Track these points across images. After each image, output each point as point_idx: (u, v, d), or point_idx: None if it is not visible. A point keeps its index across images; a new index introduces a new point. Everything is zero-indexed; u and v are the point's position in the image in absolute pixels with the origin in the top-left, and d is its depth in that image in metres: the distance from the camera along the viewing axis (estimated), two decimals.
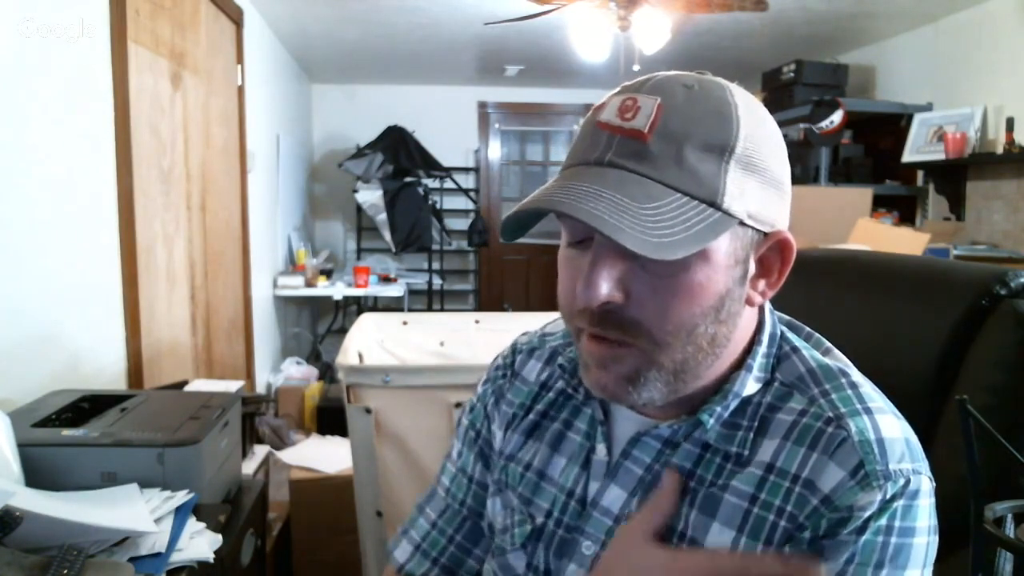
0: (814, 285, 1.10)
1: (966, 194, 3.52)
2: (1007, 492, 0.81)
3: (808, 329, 0.72)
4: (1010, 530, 0.78)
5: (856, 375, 0.65)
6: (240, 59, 3.16)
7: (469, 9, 3.57)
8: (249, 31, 3.31)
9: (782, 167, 0.63)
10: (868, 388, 0.64)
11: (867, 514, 0.57)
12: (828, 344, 0.70)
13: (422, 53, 4.58)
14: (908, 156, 3.69)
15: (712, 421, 0.63)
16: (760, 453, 0.62)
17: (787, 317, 0.72)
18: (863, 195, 3.23)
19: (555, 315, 0.80)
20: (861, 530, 0.57)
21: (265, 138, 3.83)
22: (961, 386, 0.86)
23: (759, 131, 0.60)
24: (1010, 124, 3.17)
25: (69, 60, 1.70)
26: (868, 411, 0.61)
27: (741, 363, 0.65)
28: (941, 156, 3.44)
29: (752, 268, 0.63)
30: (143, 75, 2.09)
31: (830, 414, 0.61)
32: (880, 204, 3.62)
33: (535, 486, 0.73)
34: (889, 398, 0.65)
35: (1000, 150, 3.21)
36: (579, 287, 0.59)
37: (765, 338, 0.67)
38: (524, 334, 0.85)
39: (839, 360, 0.68)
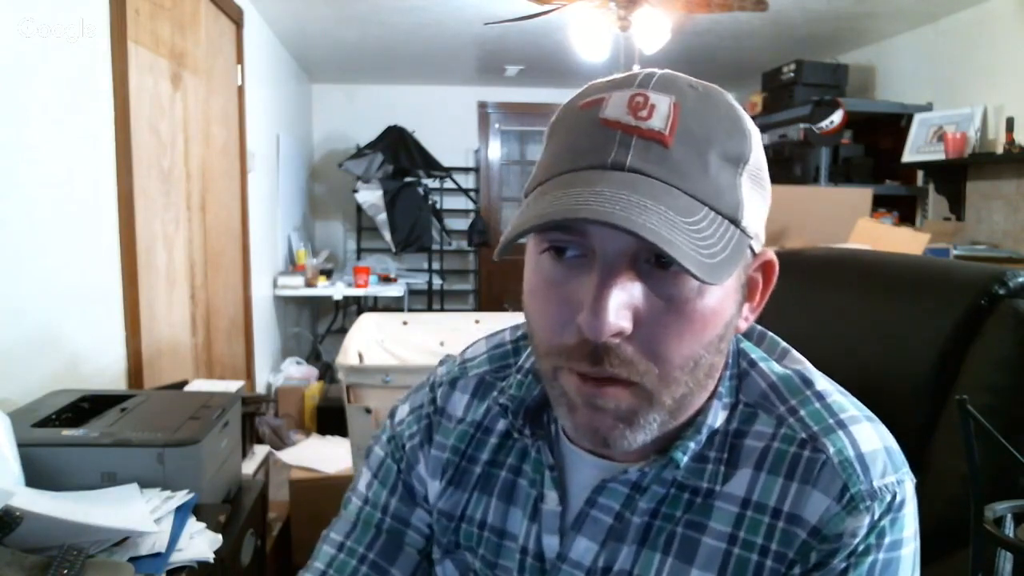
0: (814, 285, 1.10)
1: (966, 194, 3.52)
2: (1007, 492, 0.81)
3: (759, 329, 0.67)
4: (1010, 530, 0.78)
5: (821, 382, 0.61)
6: (240, 59, 3.16)
7: (469, 9, 3.57)
8: (249, 31, 3.31)
9: (769, 182, 0.59)
10: (836, 395, 0.60)
11: (857, 539, 0.54)
12: (784, 345, 0.65)
13: (422, 53, 4.58)
14: (908, 156, 3.69)
15: (685, 459, 0.57)
16: (732, 486, 0.58)
17: None
18: (863, 195, 3.22)
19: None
20: (851, 555, 0.54)
21: (265, 138, 3.83)
22: (961, 386, 0.86)
23: (760, 144, 0.56)
24: (1010, 124, 3.17)
25: (69, 60, 1.70)
26: (842, 424, 0.57)
27: (714, 392, 0.60)
28: (941, 156, 3.44)
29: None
30: (143, 75, 2.09)
31: (803, 435, 0.57)
32: (880, 204, 3.62)
33: (497, 547, 0.65)
34: (889, 398, 0.64)
35: (1000, 150, 3.21)
36: (584, 317, 0.50)
37: (729, 359, 0.61)
38: (441, 363, 0.76)
39: (798, 363, 0.63)
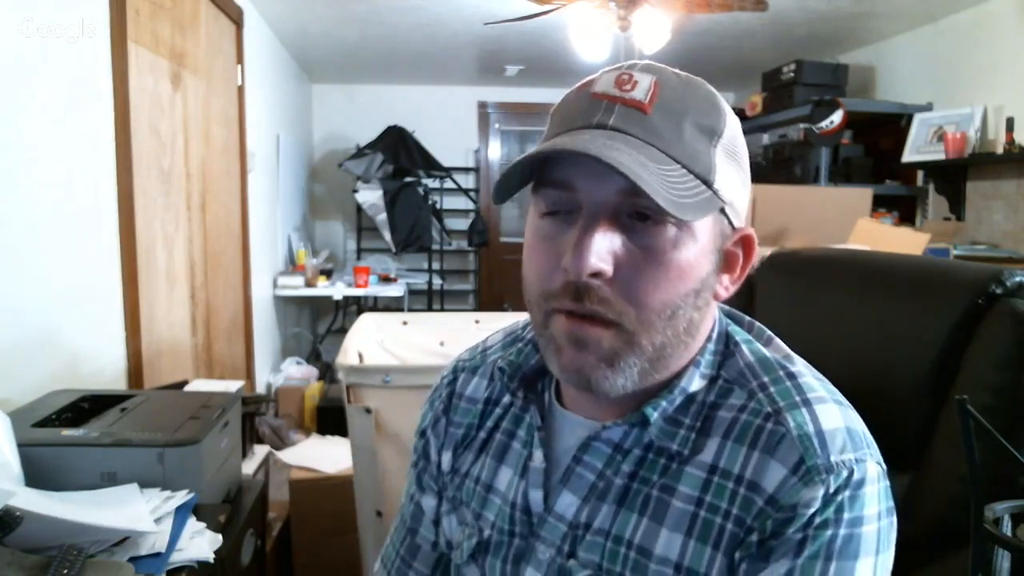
0: (814, 285, 1.10)
1: (966, 194, 3.52)
2: (1007, 492, 0.81)
3: (749, 319, 0.71)
4: (1009, 530, 0.79)
5: (796, 365, 0.64)
6: (240, 59, 3.16)
7: (469, 9, 3.57)
8: (249, 31, 3.31)
9: (748, 169, 0.64)
10: (808, 377, 0.63)
11: (811, 510, 0.56)
12: (770, 333, 0.70)
13: (422, 53, 4.58)
14: (908, 156, 3.69)
15: (656, 415, 0.62)
16: (703, 454, 0.61)
17: (727, 308, 0.72)
18: (863, 195, 3.23)
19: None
20: (807, 526, 0.56)
21: (265, 138, 3.83)
22: (960, 386, 0.86)
23: (738, 129, 0.62)
24: (1010, 124, 3.17)
25: (69, 60, 1.70)
26: (807, 403, 0.60)
27: (693, 359, 0.65)
28: (941, 156, 3.44)
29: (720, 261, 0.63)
30: (143, 75, 2.09)
31: (768, 409, 0.60)
32: (880, 204, 3.62)
33: (483, 500, 0.73)
34: (888, 397, 0.65)
35: (1000, 150, 3.21)
36: (567, 259, 0.57)
37: (714, 335, 0.66)
38: (467, 350, 0.84)
39: (779, 350, 0.67)
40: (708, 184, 0.58)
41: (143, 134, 2.08)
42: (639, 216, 0.57)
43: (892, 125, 3.88)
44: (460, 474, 0.76)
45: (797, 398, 0.61)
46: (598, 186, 0.57)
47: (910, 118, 3.73)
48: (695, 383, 0.64)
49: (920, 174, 3.87)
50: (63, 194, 1.67)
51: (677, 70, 0.61)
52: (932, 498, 0.85)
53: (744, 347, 0.66)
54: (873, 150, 4.09)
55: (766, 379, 0.63)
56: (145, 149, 2.10)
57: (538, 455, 0.69)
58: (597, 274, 0.57)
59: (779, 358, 0.65)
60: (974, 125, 3.37)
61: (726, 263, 0.63)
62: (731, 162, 0.60)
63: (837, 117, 3.66)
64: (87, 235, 1.77)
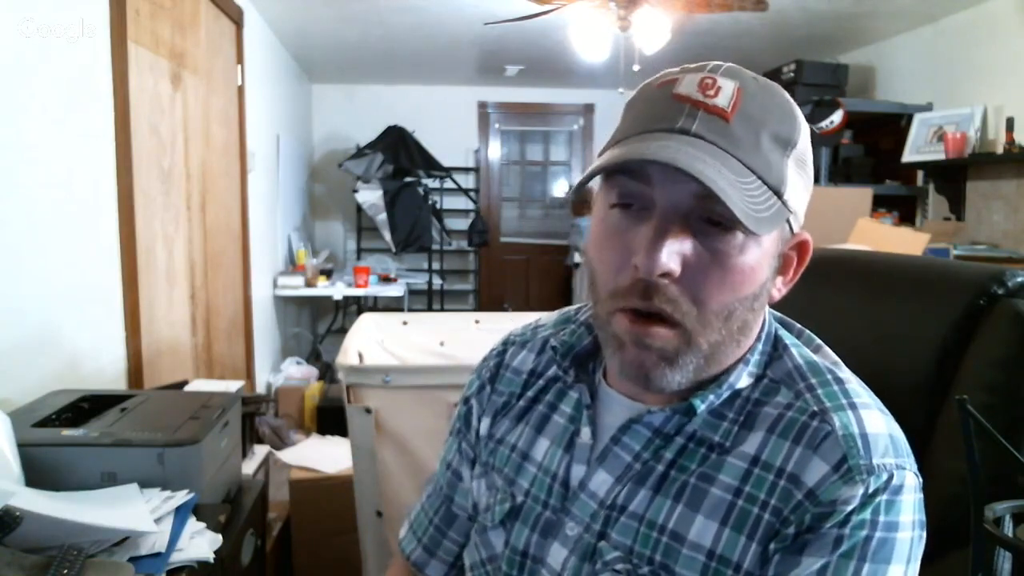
0: (814, 285, 1.10)
1: (966, 194, 3.52)
2: (1007, 492, 0.81)
3: (799, 326, 0.73)
4: (1009, 530, 0.78)
5: (844, 372, 0.66)
6: (240, 59, 3.16)
7: (469, 9, 3.57)
8: (249, 31, 3.31)
9: (812, 173, 0.66)
10: (855, 384, 0.65)
11: (849, 508, 0.57)
12: (819, 341, 0.71)
13: (422, 53, 4.58)
14: (908, 156, 3.69)
15: (703, 407, 0.64)
16: (745, 445, 0.63)
17: (779, 314, 0.73)
18: (863, 195, 3.23)
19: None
20: (843, 524, 0.57)
21: (265, 138, 3.83)
22: (960, 386, 0.86)
23: (808, 135, 0.64)
24: (1010, 124, 3.17)
25: (69, 60, 1.70)
26: (853, 406, 0.62)
27: (742, 358, 0.66)
28: (941, 156, 3.44)
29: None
30: (143, 75, 2.09)
31: (815, 408, 0.62)
32: (880, 204, 3.62)
33: (518, 467, 0.75)
34: (888, 397, 0.65)
35: (1000, 150, 3.21)
36: (640, 257, 0.58)
37: (763, 335, 0.68)
38: (520, 327, 0.86)
39: (828, 357, 0.69)
40: (779, 195, 0.60)
41: (143, 134, 2.08)
42: (710, 220, 0.59)
43: (892, 125, 3.88)
44: (495, 440, 0.78)
45: (844, 401, 0.62)
46: (673, 187, 0.58)
47: (910, 118, 3.73)
48: (743, 380, 0.65)
49: (920, 174, 3.87)
50: (63, 194, 1.67)
51: (754, 73, 0.62)
52: (932, 498, 0.85)
53: (793, 350, 0.67)
54: (873, 150, 4.09)
55: (814, 381, 0.64)
56: (145, 149, 2.10)
57: (586, 432, 0.70)
58: (666, 274, 0.58)
59: (828, 364, 0.66)
60: (974, 125, 3.37)
61: (782, 266, 0.65)
62: (799, 171, 0.62)
63: (837, 117, 3.66)
64: (87, 235, 1.77)
